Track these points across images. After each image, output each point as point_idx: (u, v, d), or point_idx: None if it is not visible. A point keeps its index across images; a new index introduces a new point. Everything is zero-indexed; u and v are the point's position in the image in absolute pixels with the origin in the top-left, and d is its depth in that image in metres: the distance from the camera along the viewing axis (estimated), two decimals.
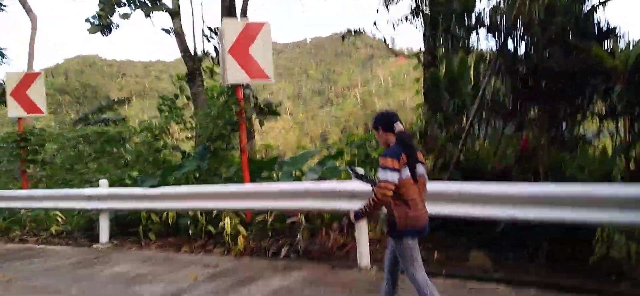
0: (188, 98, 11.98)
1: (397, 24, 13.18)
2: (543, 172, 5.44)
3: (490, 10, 6.01)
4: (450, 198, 5.09)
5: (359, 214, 3.55)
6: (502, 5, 5.78)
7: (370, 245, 5.87)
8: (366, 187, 3.68)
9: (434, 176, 6.63)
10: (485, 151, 6.28)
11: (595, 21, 5.34)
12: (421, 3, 12.10)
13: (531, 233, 5.47)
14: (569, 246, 5.33)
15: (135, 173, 8.83)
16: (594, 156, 5.41)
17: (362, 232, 5.76)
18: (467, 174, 6.15)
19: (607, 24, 5.12)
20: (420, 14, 12.01)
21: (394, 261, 3.63)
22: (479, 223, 5.68)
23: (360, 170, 3.94)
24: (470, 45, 7.84)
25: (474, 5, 7.60)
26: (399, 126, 3.48)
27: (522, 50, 5.63)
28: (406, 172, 3.35)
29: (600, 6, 5.56)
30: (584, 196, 4.47)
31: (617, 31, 5.11)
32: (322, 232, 6.87)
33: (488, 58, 6.73)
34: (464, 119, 6.59)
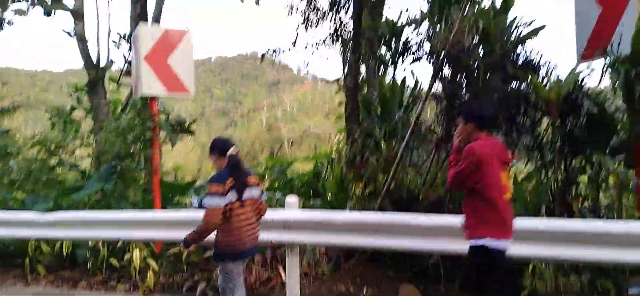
0: (87, 111, 10.83)
1: (316, 48, 13.21)
2: None
3: (426, 35, 5.99)
4: (380, 229, 4.88)
5: (187, 242, 3.64)
6: (438, 31, 5.75)
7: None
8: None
9: (363, 204, 6.42)
10: (416, 181, 6.18)
11: (525, 53, 5.50)
12: (340, 28, 12.18)
13: (461, 263, 5.41)
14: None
15: (22, 195, 7.57)
16: (524, 190, 5.50)
17: (293, 265, 5.32)
18: (397, 204, 6.00)
19: (540, 56, 5.28)
20: (341, 38, 12.08)
21: (224, 289, 3.75)
22: (409, 255, 5.55)
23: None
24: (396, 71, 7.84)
25: (401, 31, 7.62)
26: (232, 151, 3.69)
27: (455, 76, 5.62)
28: (232, 196, 3.51)
29: (527, 39, 5.77)
30: (518, 230, 4.44)
31: (547, 64, 5.28)
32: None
33: (419, 84, 6.75)
34: (395, 145, 6.46)
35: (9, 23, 8.10)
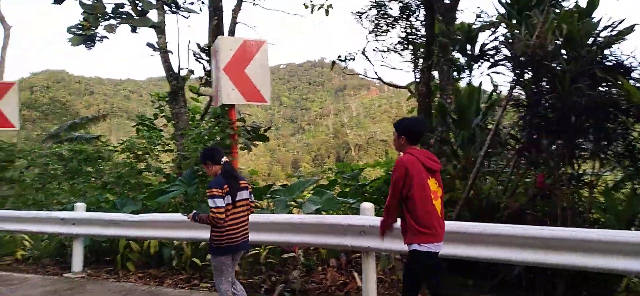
0: (168, 119, 11.45)
1: (386, 54, 13.22)
2: (561, 214, 5.17)
3: (505, 39, 5.81)
4: (459, 238, 4.78)
5: (197, 219, 4.18)
6: (517, 35, 5.57)
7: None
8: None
9: None
10: (496, 190, 6.00)
11: (614, 56, 5.20)
12: (411, 33, 12.10)
13: (545, 274, 5.20)
14: (587, 289, 5.08)
15: (112, 196, 8.17)
16: (616, 199, 5.20)
17: (369, 271, 5.35)
18: (476, 213, 5.86)
19: (632, 58, 4.98)
20: (411, 44, 12.00)
21: None
22: (489, 265, 5.40)
23: (191, 213, 4.31)
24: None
25: (477, 35, 7.45)
26: (225, 159, 4.27)
27: (537, 81, 5.41)
28: (227, 199, 4.06)
29: (616, 41, 5.45)
30: (609, 242, 4.19)
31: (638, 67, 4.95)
32: (319, 269, 6.45)
33: (497, 89, 6.56)
34: (472, 153, 6.31)
35: (100, 39, 8.77)
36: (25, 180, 9.93)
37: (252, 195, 4.51)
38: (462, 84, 7.97)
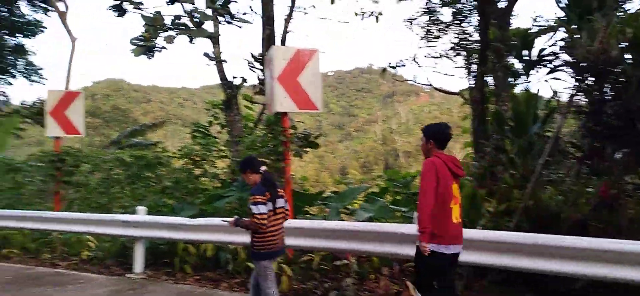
0: (222, 126, 11.77)
1: (437, 61, 13.04)
2: (627, 225, 4.94)
3: (565, 44, 5.63)
4: (518, 250, 4.65)
5: (239, 224, 4.42)
6: (577, 39, 5.38)
7: None
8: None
9: (496, 222, 6.18)
10: (557, 199, 5.79)
11: None
12: (464, 39, 11.89)
13: (613, 290, 4.96)
14: None
15: (171, 201, 8.50)
16: None
17: None
18: (536, 224, 5.68)
19: None
20: (464, 50, 11.79)
21: (257, 283, 4.51)
22: (549, 278, 5.21)
23: (230, 219, 4.61)
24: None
25: (534, 40, 7.24)
26: (264, 168, 4.49)
27: (600, 88, 5.20)
28: (269, 206, 4.26)
29: None
30: None
31: None
32: (372, 277, 6.44)
33: (556, 96, 6.34)
34: (531, 162, 6.13)
35: (159, 50, 9.18)
36: (90, 184, 10.51)
37: (286, 203, 4.72)
38: (518, 90, 7.74)
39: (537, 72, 6.97)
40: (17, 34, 19.67)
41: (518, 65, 7.67)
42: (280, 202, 4.48)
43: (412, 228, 5.28)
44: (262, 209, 4.20)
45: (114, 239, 8.76)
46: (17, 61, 19.80)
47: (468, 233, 5.09)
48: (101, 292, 6.74)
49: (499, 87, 8.09)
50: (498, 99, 8.14)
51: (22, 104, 20.81)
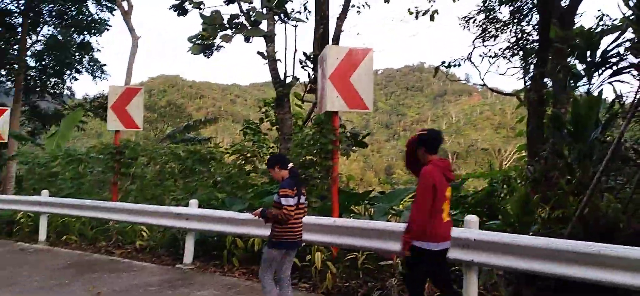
0: (272, 123, 11.92)
1: (494, 60, 12.66)
2: None
3: (632, 45, 5.32)
4: (573, 258, 4.45)
5: (266, 216, 4.62)
6: None
7: None
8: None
9: (549, 229, 5.94)
10: (615, 208, 5.49)
11: None
12: (522, 38, 11.48)
13: None
14: None
15: (222, 195, 8.72)
16: None
17: (471, 285, 5.19)
18: (592, 232, 5.41)
19: None
20: (523, 49, 11.39)
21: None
22: (604, 289, 4.95)
23: (257, 210, 4.84)
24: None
25: (599, 41, 6.88)
26: (292, 165, 4.78)
27: None
28: (294, 200, 4.53)
29: None
30: None
31: None
32: None
33: (622, 99, 6.00)
34: (589, 168, 5.84)
35: (217, 49, 9.40)
36: (146, 176, 10.94)
37: (307, 199, 5.01)
38: (578, 93, 7.39)
39: (600, 74, 6.60)
40: (84, 32, 20.76)
41: (579, 66, 7.30)
42: (302, 199, 4.73)
43: (460, 232, 5.17)
44: (291, 201, 4.50)
45: (166, 230, 9.09)
46: (83, 57, 20.88)
47: (522, 238, 4.94)
48: (153, 280, 7.01)
49: (558, 90, 7.76)
50: (557, 102, 7.81)
51: (85, 98, 22.00)
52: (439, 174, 4.12)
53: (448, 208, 4.25)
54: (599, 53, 6.75)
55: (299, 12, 11.23)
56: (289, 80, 10.72)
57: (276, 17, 10.11)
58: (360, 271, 6.60)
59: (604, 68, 6.57)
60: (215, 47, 9.08)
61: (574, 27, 8.25)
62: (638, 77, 5.03)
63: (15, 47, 19.03)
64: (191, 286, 6.67)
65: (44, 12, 20.40)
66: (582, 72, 7.08)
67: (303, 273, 6.96)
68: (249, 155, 9.89)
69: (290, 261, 4.89)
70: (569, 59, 7.54)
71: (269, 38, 10.27)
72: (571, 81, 7.44)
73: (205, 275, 7.42)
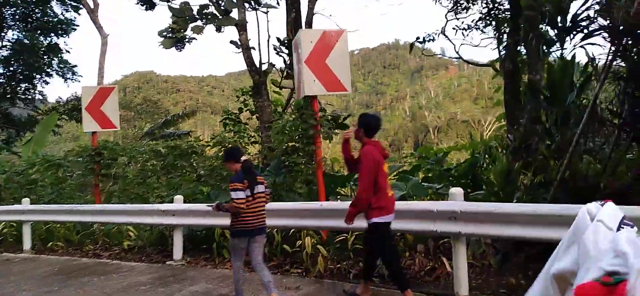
0: (252, 112, 11.87)
1: (467, 32, 12.72)
2: None
3: (601, 7, 5.40)
4: (557, 221, 4.53)
5: (221, 208, 4.94)
6: (618, 2, 5.14)
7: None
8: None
9: (532, 195, 6.07)
10: (595, 169, 5.63)
11: None
12: (494, 8, 11.54)
13: None
14: None
15: (207, 188, 8.66)
16: None
17: (460, 256, 5.27)
18: (573, 194, 5.55)
19: None
20: (496, 20, 11.45)
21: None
22: None
23: (212, 204, 5.18)
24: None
25: (568, 6, 6.97)
26: (245, 158, 5.01)
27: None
28: (247, 192, 4.77)
29: None
30: None
31: None
32: (406, 255, 6.45)
33: (595, 62, 6.11)
34: (567, 131, 5.96)
35: (189, 41, 9.27)
36: (128, 176, 10.81)
37: (267, 188, 5.19)
38: (552, 59, 7.50)
39: (572, 38, 6.70)
40: (50, 34, 20.23)
41: (551, 32, 7.40)
42: (259, 188, 4.94)
43: (447, 205, 5.25)
44: (240, 195, 4.72)
45: (153, 228, 9.02)
46: (52, 59, 20.38)
47: (507, 206, 5.02)
48: (144, 279, 6.96)
49: (532, 57, 7.86)
50: (532, 69, 7.91)
51: (58, 101, 21.52)
52: (377, 152, 4.66)
53: (389, 183, 4.84)
54: (569, 18, 6.83)
55: None
56: (264, 67, 10.67)
57: (247, 5, 10.01)
58: (351, 252, 6.66)
59: (575, 32, 6.65)
60: (186, 40, 8.95)
61: None
62: (609, 39, 5.10)
63: None
64: (183, 282, 6.66)
65: (7, 16, 19.79)
66: (554, 38, 7.17)
67: (294, 259, 7.01)
68: (230, 146, 9.83)
69: (259, 247, 5.03)
70: (540, 26, 7.62)
71: (241, 26, 10.17)
72: (544, 47, 7.53)
73: (196, 269, 7.40)
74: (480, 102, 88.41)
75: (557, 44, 7.26)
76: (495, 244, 6.15)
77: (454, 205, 5.14)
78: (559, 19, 7.04)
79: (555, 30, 7.05)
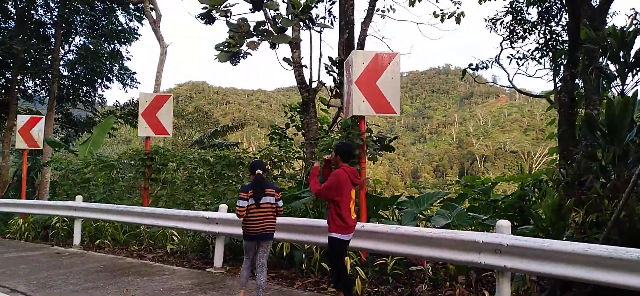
0: (298, 128, 11.99)
1: (522, 62, 12.46)
2: None
3: None
4: (610, 264, 4.33)
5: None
6: None
7: None
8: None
9: (583, 233, 5.81)
10: None
11: None
12: (552, 39, 11.28)
13: None
14: None
15: None
16: None
17: (504, 291, 5.11)
18: (628, 237, 5.27)
19: None
20: (554, 51, 11.18)
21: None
22: None
23: None
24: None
25: (633, 41, 6.69)
26: (258, 172, 5.67)
27: None
28: (251, 201, 5.51)
29: None
30: None
31: None
32: (447, 284, 6.30)
33: None
34: (625, 170, 5.69)
35: (244, 56, 9.51)
36: (176, 182, 11.15)
37: (280, 201, 5.81)
38: (611, 94, 7.21)
39: (635, 75, 6.42)
40: (114, 41, 21.33)
41: (612, 67, 7.13)
42: (266, 199, 5.59)
43: (493, 237, 5.11)
44: (242, 203, 5.51)
45: (196, 235, 9.23)
46: (113, 65, 21.44)
47: (557, 244, 4.82)
48: (184, 284, 7.12)
49: (590, 91, 7.58)
50: (588, 103, 7.63)
51: (115, 105, 22.54)
52: (346, 176, 5.40)
53: (353, 206, 5.50)
54: (632, 53, 6.56)
55: (324, 18, 11.27)
56: (314, 85, 10.78)
57: (301, 23, 10.18)
58: (390, 277, 6.58)
59: (638, 69, 6.38)
60: (242, 54, 9.16)
61: (606, 27, 8.04)
62: None
63: (48, 57, 19.62)
64: (222, 290, 6.76)
65: (76, 23, 21.03)
66: (615, 73, 6.90)
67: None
68: (276, 160, 9.99)
69: (264, 251, 5.70)
70: (600, 60, 7.36)
71: (295, 44, 10.35)
72: (603, 82, 7.26)
73: (234, 279, 7.49)
74: (531, 134, 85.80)
75: (618, 80, 6.99)
76: (541, 281, 5.92)
77: (501, 238, 5.00)
78: (621, 54, 6.78)
79: (617, 66, 6.79)
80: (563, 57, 10.07)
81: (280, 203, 5.80)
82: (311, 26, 10.04)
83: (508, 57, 12.66)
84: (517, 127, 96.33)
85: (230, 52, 8.86)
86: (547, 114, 13.17)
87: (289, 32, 10.04)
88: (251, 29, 9.16)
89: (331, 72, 10.15)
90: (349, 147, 5.76)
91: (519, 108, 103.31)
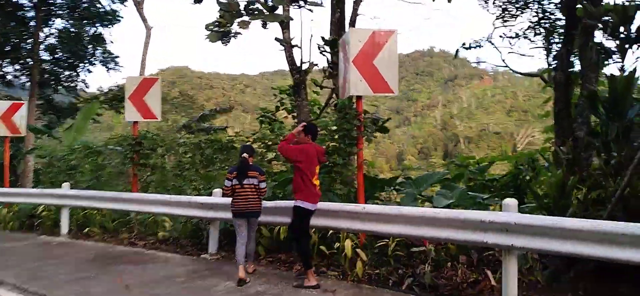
0: (288, 111, 11.78)
1: (515, 40, 12.39)
2: None
3: None
4: (616, 239, 4.28)
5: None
6: None
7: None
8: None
9: (586, 210, 5.78)
10: None
11: None
12: (544, 17, 11.19)
13: None
14: None
15: None
16: None
17: (510, 270, 5.05)
18: (632, 213, 5.25)
19: None
20: (547, 29, 11.10)
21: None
22: None
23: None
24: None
25: (634, 16, 6.62)
26: (244, 155, 6.35)
27: None
28: (235, 181, 6.22)
29: None
30: None
31: None
32: (448, 265, 6.23)
33: None
34: (628, 147, 5.66)
35: (234, 36, 9.24)
36: (165, 167, 10.90)
37: (263, 184, 6.41)
38: (607, 71, 7.18)
39: (635, 50, 6.36)
40: (96, 24, 20.71)
41: (610, 43, 7.08)
42: (249, 181, 6.24)
43: (501, 216, 5.03)
44: (227, 183, 6.27)
45: (188, 221, 9.02)
46: (96, 49, 20.86)
47: (566, 221, 4.75)
48: (180, 271, 6.96)
49: (587, 68, 7.53)
50: (585, 81, 7.59)
51: (99, 90, 22.01)
52: (314, 151, 6.03)
53: (317, 181, 6.10)
54: (633, 28, 6.50)
55: None
56: (305, 66, 10.55)
57: (292, 2, 9.92)
58: (391, 258, 6.49)
59: (639, 44, 6.32)
60: (232, 34, 8.91)
61: (603, 3, 7.98)
62: None
63: (28, 41, 19.00)
64: (219, 276, 6.59)
65: (56, 4, 20.35)
66: (614, 49, 6.84)
67: (331, 261, 6.87)
68: (270, 143, 9.80)
69: (252, 226, 6.51)
70: (597, 36, 7.31)
71: (286, 24, 10.09)
72: (602, 59, 7.22)
73: (230, 264, 7.30)
74: (514, 115, 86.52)
75: (616, 56, 6.95)
76: (544, 259, 5.88)
77: (508, 216, 4.92)
78: (622, 28, 6.71)
79: (617, 41, 6.72)
80: (557, 35, 10.00)
81: (262, 185, 6.38)
82: (302, 5, 9.78)
83: (500, 36, 12.59)
84: (500, 108, 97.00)
85: (221, 32, 8.59)
86: (528, 94, 13.19)
87: (280, 11, 9.77)
88: (242, 8, 8.89)
89: (324, 53, 9.94)
90: (315, 127, 6.53)
91: (502, 90, 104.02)
